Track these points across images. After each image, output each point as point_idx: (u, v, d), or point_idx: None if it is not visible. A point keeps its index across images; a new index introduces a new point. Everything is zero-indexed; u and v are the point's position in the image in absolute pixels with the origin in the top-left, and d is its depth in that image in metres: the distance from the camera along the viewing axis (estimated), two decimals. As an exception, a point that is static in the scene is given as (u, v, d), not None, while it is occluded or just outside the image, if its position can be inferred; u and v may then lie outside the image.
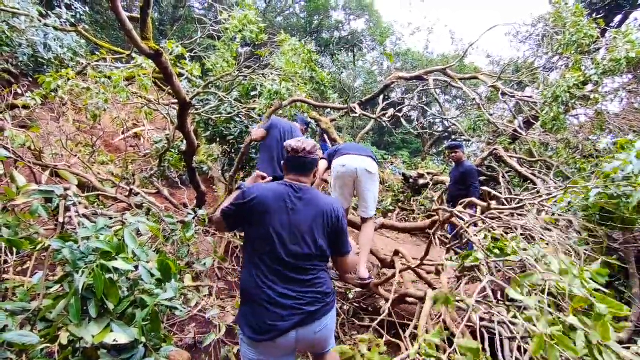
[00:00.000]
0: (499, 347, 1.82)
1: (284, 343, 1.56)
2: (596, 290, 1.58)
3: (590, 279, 1.65)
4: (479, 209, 3.39)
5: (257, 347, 1.58)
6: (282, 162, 1.85)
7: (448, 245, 3.32)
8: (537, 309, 1.53)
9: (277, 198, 1.66)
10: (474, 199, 3.41)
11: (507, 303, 1.87)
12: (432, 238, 3.16)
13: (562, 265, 1.72)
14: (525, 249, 2.00)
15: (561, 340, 1.34)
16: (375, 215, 3.11)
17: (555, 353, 1.32)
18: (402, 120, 8.04)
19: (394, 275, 2.84)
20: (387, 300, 2.73)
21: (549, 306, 1.55)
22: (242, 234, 1.78)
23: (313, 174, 1.84)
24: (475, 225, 2.93)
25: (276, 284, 1.57)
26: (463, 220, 2.77)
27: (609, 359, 1.32)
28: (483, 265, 2.11)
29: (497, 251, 2.11)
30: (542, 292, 1.63)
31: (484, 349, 1.60)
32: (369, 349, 1.66)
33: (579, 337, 1.36)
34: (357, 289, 3.65)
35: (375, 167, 2.97)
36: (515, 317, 1.68)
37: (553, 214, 2.68)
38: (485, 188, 5.79)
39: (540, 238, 2.34)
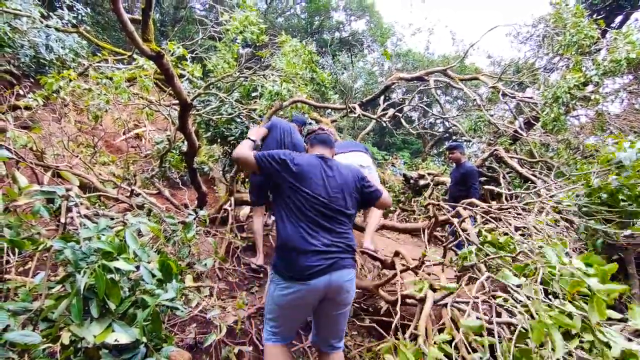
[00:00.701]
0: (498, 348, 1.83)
1: (317, 285, 1.79)
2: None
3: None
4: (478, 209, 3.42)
5: (291, 289, 1.81)
6: (309, 139, 2.24)
7: (444, 244, 3.32)
8: (533, 298, 1.55)
9: (315, 167, 2.01)
10: (474, 200, 3.42)
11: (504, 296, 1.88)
12: (423, 235, 3.18)
13: (555, 251, 1.74)
14: (519, 243, 2.02)
15: (559, 320, 1.36)
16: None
17: (556, 334, 1.33)
18: (403, 120, 8.04)
19: (394, 276, 2.84)
20: (387, 302, 2.74)
21: (547, 295, 1.57)
22: (273, 197, 2.09)
23: (332, 147, 2.23)
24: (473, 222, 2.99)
25: (317, 233, 1.87)
26: (458, 216, 2.79)
27: (609, 336, 1.34)
28: (480, 263, 2.12)
29: (490, 247, 2.12)
30: (537, 281, 1.65)
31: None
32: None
33: (576, 319, 1.38)
34: (357, 290, 3.65)
35: (367, 160, 3.11)
36: (514, 306, 1.70)
37: (558, 204, 2.68)
38: (487, 187, 5.81)
39: (538, 237, 2.34)
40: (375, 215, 3.22)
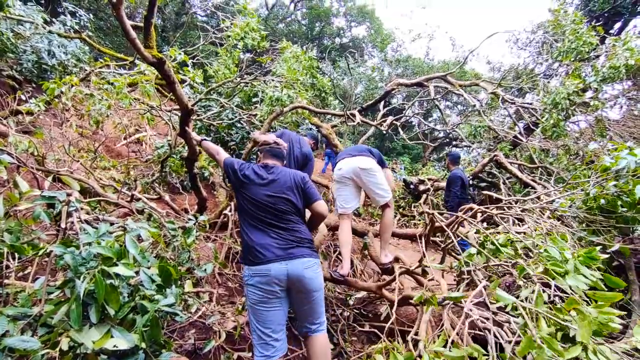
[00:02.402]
0: (499, 350, 1.82)
1: (278, 272, 2.00)
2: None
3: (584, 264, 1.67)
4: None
5: (257, 278, 2.01)
6: (264, 149, 2.41)
7: (442, 247, 3.34)
8: (529, 304, 1.55)
9: (258, 175, 2.22)
10: (473, 205, 3.42)
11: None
12: (420, 241, 3.19)
13: (556, 245, 1.74)
14: (519, 241, 2.02)
15: (550, 343, 1.36)
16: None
17: (544, 355, 1.34)
18: (400, 129, 8.07)
19: (393, 280, 2.84)
20: (391, 301, 2.73)
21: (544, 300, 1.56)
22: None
23: (281, 160, 2.44)
24: (463, 226, 3.04)
25: (269, 232, 2.10)
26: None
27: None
28: (478, 269, 2.12)
29: (490, 247, 2.11)
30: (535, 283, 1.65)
31: (486, 354, 1.60)
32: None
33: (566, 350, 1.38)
34: (358, 295, 3.65)
35: (368, 162, 3.21)
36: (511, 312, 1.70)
37: (555, 211, 2.68)
38: (487, 192, 5.83)
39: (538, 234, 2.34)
40: (386, 219, 3.28)
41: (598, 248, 1.76)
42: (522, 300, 1.64)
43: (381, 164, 3.37)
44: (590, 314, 1.40)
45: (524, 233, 2.47)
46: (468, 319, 1.83)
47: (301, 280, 2.05)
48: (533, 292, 1.64)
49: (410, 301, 2.74)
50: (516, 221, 2.90)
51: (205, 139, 2.71)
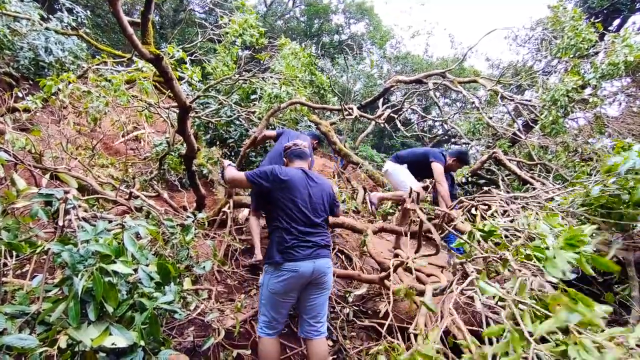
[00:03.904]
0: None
1: (307, 269, 2.20)
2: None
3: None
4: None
5: (289, 274, 2.18)
6: (287, 154, 2.62)
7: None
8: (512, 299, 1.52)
9: (300, 178, 2.41)
10: (462, 199, 3.44)
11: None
12: (413, 239, 3.21)
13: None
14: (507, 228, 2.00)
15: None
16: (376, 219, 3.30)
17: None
18: (398, 123, 8.06)
19: (389, 275, 2.84)
20: (393, 293, 2.74)
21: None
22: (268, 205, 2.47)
23: (307, 160, 2.66)
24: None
25: (304, 233, 2.27)
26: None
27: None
28: (468, 261, 2.12)
29: (479, 233, 2.09)
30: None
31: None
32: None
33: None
34: (357, 292, 3.66)
35: (388, 166, 4.36)
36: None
37: (553, 210, 2.67)
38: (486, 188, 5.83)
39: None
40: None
41: (591, 229, 1.70)
42: (507, 292, 1.61)
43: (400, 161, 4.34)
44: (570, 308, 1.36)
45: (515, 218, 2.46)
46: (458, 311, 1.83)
47: (323, 277, 2.31)
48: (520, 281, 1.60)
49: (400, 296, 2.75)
50: (509, 212, 2.88)
51: (231, 165, 2.62)
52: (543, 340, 1.42)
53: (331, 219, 3.89)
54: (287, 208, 2.30)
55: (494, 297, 1.66)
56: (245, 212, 4.91)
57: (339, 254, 4.31)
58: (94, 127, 5.46)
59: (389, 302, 2.65)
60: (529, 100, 6.43)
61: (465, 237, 2.21)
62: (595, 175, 2.64)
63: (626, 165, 2.25)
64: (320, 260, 2.28)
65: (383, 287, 3.07)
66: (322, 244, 2.33)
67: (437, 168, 3.95)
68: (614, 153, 2.56)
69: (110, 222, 1.92)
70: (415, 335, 2.02)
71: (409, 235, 3.27)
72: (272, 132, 4.12)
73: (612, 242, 2.30)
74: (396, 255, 3.26)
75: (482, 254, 2.03)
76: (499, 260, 1.89)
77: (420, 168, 4.22)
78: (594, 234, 2.44)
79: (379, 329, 2.82)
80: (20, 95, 4.82)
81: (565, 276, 1.45)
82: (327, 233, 2.45)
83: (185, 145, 3.65)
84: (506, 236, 2.05)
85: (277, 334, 2.33)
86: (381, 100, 9.33)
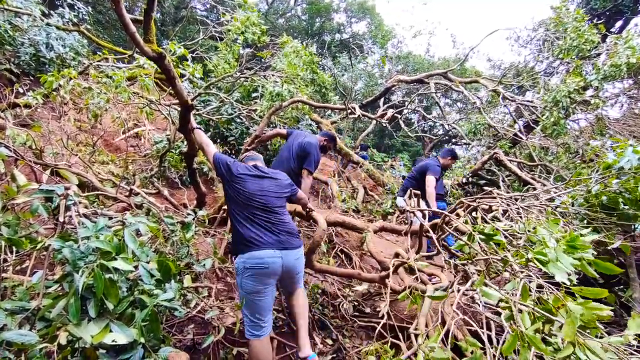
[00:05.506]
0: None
1: (273, 264, 2.20)
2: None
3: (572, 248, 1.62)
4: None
5: (254, 270, 2.18)
6: (244, 159, 2.66)
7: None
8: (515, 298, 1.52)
9: (250, 172, 2.43)
10: (462, 199, 3.46)
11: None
12: (412, 238, 3.22)
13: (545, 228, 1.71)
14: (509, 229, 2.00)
15: (533, 340, 1.34)
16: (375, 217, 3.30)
17: (526, 354, 1.32)
18: (401, 123, 8.05)
19: (387, 275, 2.83)
20: (395, 291, 2.74)
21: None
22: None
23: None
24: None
25: (262, 222, 2.29)
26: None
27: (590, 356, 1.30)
28: (469, 262, 2.11)
29: (480, 236, 2.08)
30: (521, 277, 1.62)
31: (482, 348, 1.59)
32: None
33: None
34: (359, 288, 3.66)
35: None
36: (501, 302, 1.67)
37: (555, 208, 2.67)
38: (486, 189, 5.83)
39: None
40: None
41: (591, 238, 1.71)
42: (507, 294, 1.61)
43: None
44: (574, 311, 1.37)
45: (518, 220, 2.45)
46: (458, 313, 1.82)
47: (293, 270, 2.35)
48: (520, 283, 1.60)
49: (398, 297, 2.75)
50: (510, 213, 2.88)
51: (199, 128, 2.88)
52: (543, 340, 1.43)
53: (331, 219, 3.90)
54: (241, 201, 2.33)
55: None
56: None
57: (339, 253, 4.31)
58: (94, 123, 5.44)
59: (389, 301, 2.65)
60: (531, 101, 6.41)
61: (465, 238, 2.20)
62: (594, 173, 2.64)
63: (622, 161, 2.26)
64: (289, 252, 2.29)
65: (384, 287, 3.07)
66: (285, 230, 2.35)
67: (429, 180, 4.55)
68: (614, 149, 2.57)
69: (110, 219, 1.92)
70: (416, 336, 2.02)
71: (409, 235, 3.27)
72: (283, 131, 4.20)
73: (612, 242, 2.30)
74: (396, 255, 3.26)
75: (482, 255, 2.02)
76: (499, 262, 1.89)
77: (423, 180, 4.76)
78: (597, 230, 2.44)
79: (381, 330, 2.82)
80: (21, 91, 4.80)
81: (569, 278, 1.46)
82: (288, 221, 2.44)
83: (185, 142, 3.64)
84: (506, 237, 2.05)
85: (266, 334, 2.29)
86: (382, 99, 9.32)
